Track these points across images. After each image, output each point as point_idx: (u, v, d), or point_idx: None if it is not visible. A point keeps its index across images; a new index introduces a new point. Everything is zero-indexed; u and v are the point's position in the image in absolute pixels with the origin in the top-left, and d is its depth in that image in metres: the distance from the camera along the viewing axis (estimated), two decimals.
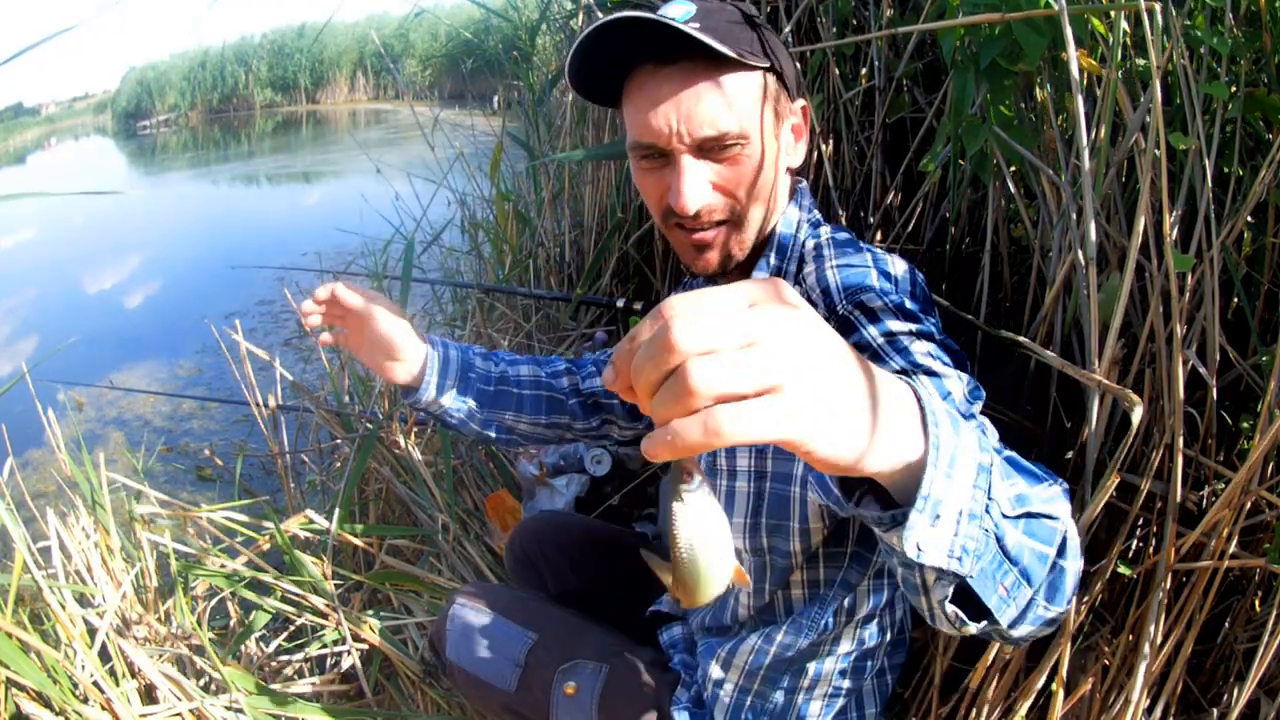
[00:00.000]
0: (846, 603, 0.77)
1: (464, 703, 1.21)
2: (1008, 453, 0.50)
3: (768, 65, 0.68)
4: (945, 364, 0.60)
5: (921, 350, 0.60)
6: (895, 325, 0.62)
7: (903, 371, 0.59)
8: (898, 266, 0.71)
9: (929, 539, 0.40)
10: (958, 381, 0.58)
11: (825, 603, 0.77)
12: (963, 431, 0.41)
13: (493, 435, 0.93)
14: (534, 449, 1.61)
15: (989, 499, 0.41)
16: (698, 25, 0.63)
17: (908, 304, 0.65)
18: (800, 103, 0.74)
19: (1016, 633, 0.48)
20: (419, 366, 0.84)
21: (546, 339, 2.15)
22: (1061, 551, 0.47)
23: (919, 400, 0.40)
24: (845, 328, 0.65)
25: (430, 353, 0.85)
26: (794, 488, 0.72)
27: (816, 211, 0.79)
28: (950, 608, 0.45)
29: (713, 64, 0.65)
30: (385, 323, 0.80)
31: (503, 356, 0.95)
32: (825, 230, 0.76)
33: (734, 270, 0.76)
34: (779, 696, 0.80)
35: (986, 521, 0.41)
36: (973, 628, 0.46)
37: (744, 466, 0.74)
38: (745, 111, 0.67)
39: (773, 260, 0.75)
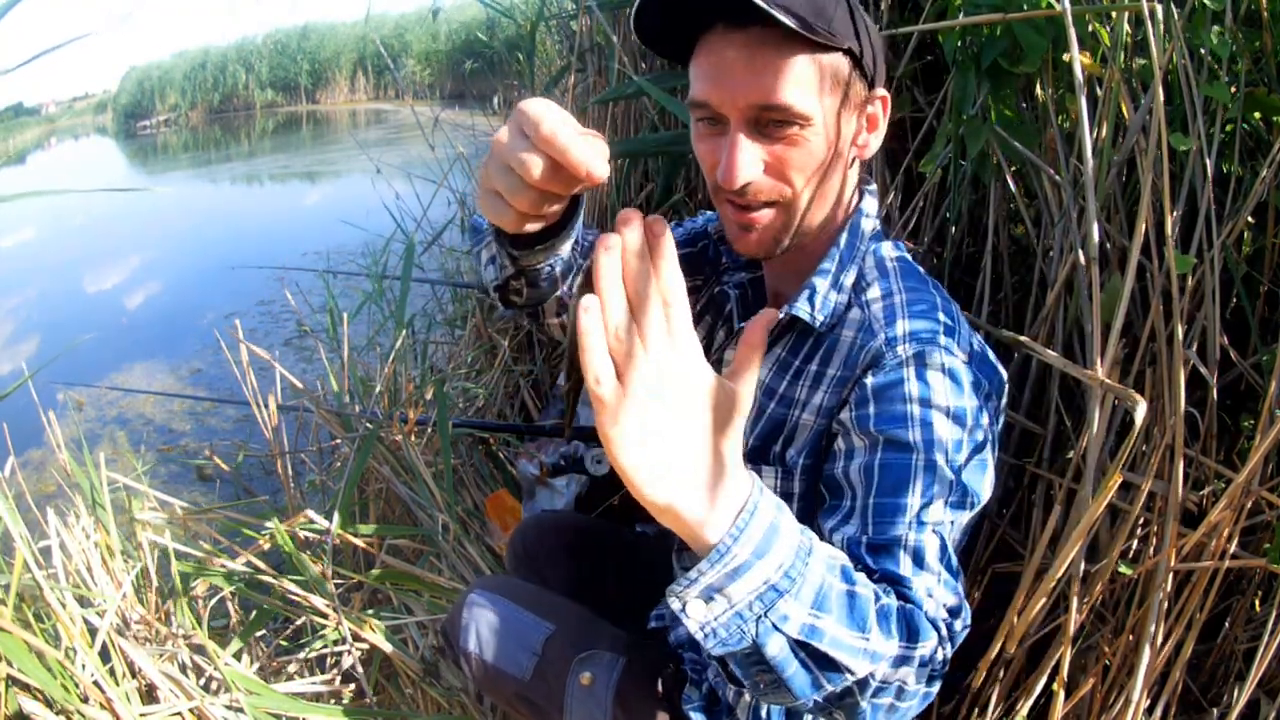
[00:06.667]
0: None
1: (465, 702, 1.22)
2: (886, 603, 0.54)
3: (844, 47, 0.64)
4: (941, 550, 0.60)
5: (937, 510, 0.60)
6: (941, 433, 0.61)
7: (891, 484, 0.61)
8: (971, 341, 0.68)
9: (696, 609, 0.46)
10: (936, 582, 0.59)
11: None
12: (771, 553, 0.46)
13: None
14: (534, 449, 1.61)
15: (765, 614, 0.47)
16: None
17: (968, 424, 0.63)
18: (880, 92, 0.70)
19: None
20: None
21: (547, 338, 2.15)
22: (860, 690, 0.52)
23: (745, 506, 0.45)
24: (875, 362, 0.64)
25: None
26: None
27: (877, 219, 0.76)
28: (714, 661, 0.51)
29: (784, 37, 0.61)
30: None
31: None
32: (890, 249, 0.73)
33: (785, 257, 0.72)
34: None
35: (750, 627, 0.47)
36: (731, 690, 0.54)
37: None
38: (808, 90, 0.63)
39: (834, 267, 0.72)
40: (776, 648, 0.48)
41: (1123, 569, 0.86)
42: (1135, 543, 0.93)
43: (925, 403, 0.62)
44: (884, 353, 0.64)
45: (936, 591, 0.58)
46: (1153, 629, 0.82)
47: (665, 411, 0.41)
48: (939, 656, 0.56)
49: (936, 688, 0.58)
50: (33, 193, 1.11)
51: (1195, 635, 0.84)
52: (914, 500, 0.60)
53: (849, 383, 0.66)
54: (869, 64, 0.67)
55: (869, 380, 0.64)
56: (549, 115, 0.47)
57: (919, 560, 0.59)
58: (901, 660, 0.53)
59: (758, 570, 0.45)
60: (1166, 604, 0.83)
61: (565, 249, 0.70)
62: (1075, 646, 0.85)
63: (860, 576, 0.55)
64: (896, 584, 0.58)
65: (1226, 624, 0.99)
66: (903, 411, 0.62)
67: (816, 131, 0.64)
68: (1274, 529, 0.83)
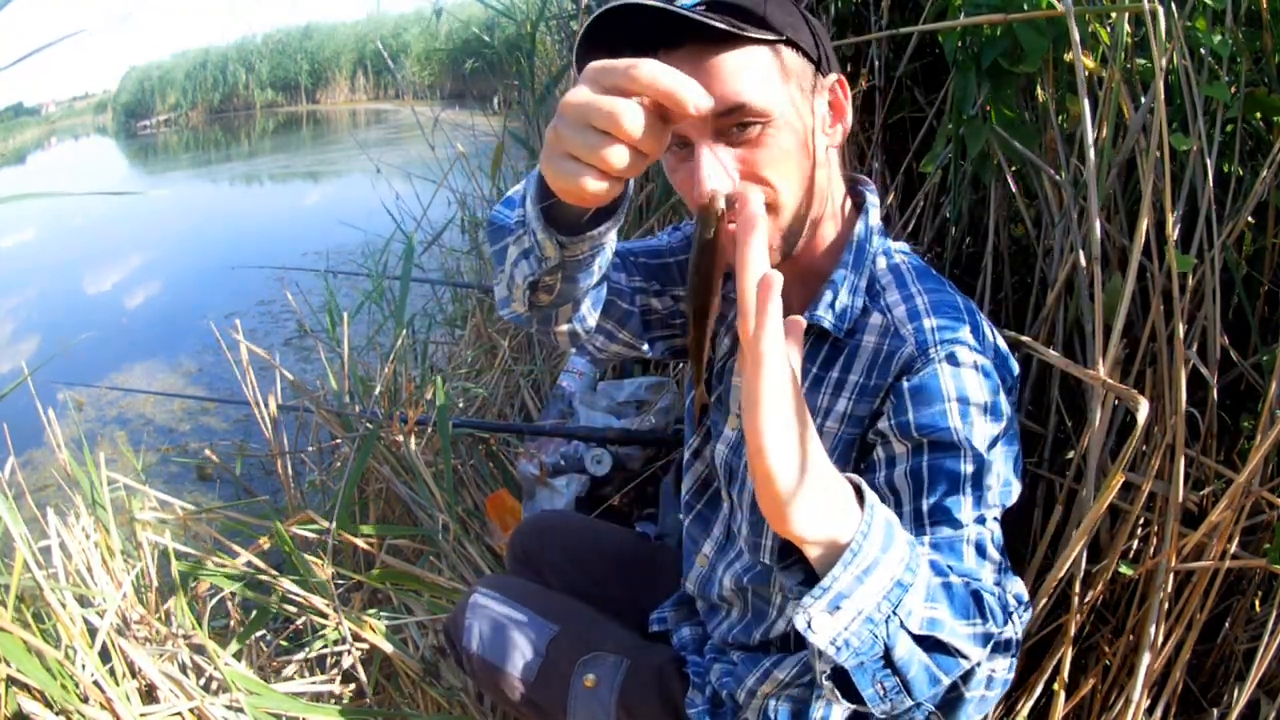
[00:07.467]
0: None
1: (465, 702, 1.21)
2: (976, 587, 0.54)
3: (783, 39, 0.63)
4: (996, 540, 0.61)
5: (986, 504, 0.61)
6: (982, 433, 0.62)
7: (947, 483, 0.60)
8: (995, 341, 0.69)
9: (823, 622, 0.45)
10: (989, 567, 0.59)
11: None
12: (894, 547, 0.46)
13: (593, 322, 0.80)
14: (534, 449, 1.61)
15: (893, 613, 0.47)
16: (704, 7, 0.60)
17: (998, 425, 0.63)
18: (833, 77, 0.69)
19: None
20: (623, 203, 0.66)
21: (548, 343, 2.15)
22: (965, 681, 0.52)
23: (861, 498, 0.45)
24: (908, 367, 0.64)
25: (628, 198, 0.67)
26: None
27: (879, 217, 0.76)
28: (827, 682, 0.50)
29: (720, 43, 0.61)
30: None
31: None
32: (899, 249, 0.73)
33: (789, 262, 0.70)
34: (810, 699, 0.80)
35: (880, 629, 0.46)
36: (843, 705, 0.50)
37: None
38: (759, 87, 0.62)
39: (849, 271, 0.71)
40: (904, 647, 0.48)
41: (1123, 569, 0.86)
42: (1136, 543, 0.93)
43: (964, 400, 0.62)
44: (916, 356, 0.64)
45: (1002, 580, 0.59)
46: (1153, 629, 0.82)
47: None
48: (1015, 640, 0.56)
49: (1013, 674, 0.58)
50: (33, 194, 1.11)
51: (1195, 635, 0.84)
52: (966, 497, 0.60)
53: (882, 390, 0.66)
54: (817, 50, 0.67)
55: (905, 385, 0.64)
56: (639, 60, 0.44)
57: (982, 552, 0.59)
58: (994, 647, 0.53)
59: (884, 567, 0.45)
60: (1167, 604, 0.83)
61: (612, 238, 0.67)
62: (1075, 647, 0.86)
63: (946, 567, 0.55)
64: (965, 577, 0.57)
65: (1226, 624, 0.99)
66: (943, 411, 0.62)
67: (780, 127, 0.64)
68: (1274, 529, 0.83)
